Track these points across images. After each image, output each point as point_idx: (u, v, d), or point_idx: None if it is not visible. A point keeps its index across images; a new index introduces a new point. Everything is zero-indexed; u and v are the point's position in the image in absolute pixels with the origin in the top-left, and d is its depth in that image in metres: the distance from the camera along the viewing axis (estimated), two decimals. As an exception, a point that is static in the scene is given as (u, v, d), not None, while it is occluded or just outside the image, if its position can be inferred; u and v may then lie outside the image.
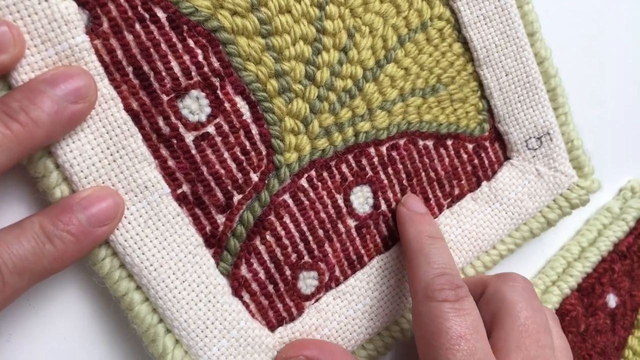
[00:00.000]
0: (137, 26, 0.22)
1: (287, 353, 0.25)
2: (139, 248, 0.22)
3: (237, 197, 0.25)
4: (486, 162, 0.31)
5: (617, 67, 0.39)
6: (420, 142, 0.29)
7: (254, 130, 0.25)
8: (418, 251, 0.26)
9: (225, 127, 0.24)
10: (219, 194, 0.24)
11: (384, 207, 0.29)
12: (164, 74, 0.23)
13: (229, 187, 0.25)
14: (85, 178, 0.21)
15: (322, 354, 0.25)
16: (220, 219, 0.25)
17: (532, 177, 0.32)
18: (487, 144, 0.31)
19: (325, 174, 0.27)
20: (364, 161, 0.28)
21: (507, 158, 0.32)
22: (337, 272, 0.28)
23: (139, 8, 0.22)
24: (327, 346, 0.26)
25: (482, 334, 0.24)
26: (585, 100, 0.37)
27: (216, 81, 0.24)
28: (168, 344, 0.23)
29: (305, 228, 0.26)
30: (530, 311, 0.25)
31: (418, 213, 0.28)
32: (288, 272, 0.26)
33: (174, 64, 0.23)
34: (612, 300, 0.38)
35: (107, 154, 0.22)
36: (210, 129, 0.24)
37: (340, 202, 0.27)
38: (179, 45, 0.23)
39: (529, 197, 0.32)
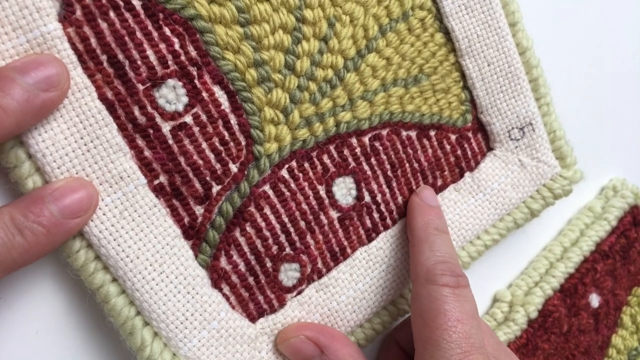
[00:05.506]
0: (112, 14, 0.22)
1: (287, 334, 0.26)
2: (115, 239, 0.22)
3: (215, 188, 0.24)
4: (469, 152, 0.31)
5: (599, 65, 0.39)
6: (404, 133, 0.29)
7: (233, 120, 0.25)
8: (423, 239, 0.27)
9: (203, 117, 0.24)
10: (197, 185, 0.24)
11: (367, 198, 0.28)
12: (139, 62, 0.22)
13: (208, 178, 0.24)
14: (59, 168, 0.21)
15: (321, 335, 0.26)
16: (199, 210, 0.24)
17: (515, 168, 0.32)
18: (469, 134, 0.31)
19: (306, 165, 0.27)
20: (346, 152, 0.28)
21: (490, 149, 0.32)
22: (320, 264, 0.27)
23: (113, -5, 0.22)
24: (326, 329, 0.26)
25: (478, 322, 0.24)
26: (567, 99, 0.37)
27: (193, 70, 0.23)
28: (146, 337, 0.22)
29: (286, 219, 0.26)
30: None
31: (429, 205, 0.28)
32: (269, 264, 0.26)
33: (149, 52, 0.23)
34: (594, 300, 0.38)
35: (81, 143, 0.21)
36: (188, 118, 0.24)
37: (323, 193, 0.27)
38: (155, 34, 0.23)
39: (512, 187, 0.32)
